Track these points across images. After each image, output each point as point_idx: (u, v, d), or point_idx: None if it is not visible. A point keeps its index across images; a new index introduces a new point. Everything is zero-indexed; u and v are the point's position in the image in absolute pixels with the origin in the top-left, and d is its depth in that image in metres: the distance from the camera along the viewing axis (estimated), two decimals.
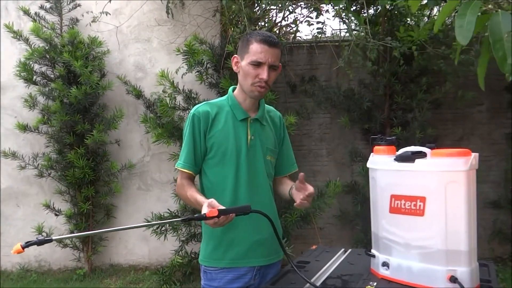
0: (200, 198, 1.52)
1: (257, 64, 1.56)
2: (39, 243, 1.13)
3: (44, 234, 4.28)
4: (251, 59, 1.56)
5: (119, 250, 4.68)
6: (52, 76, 4.33)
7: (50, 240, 1.15)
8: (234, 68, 1.65)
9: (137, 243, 4.65)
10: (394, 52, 3.53)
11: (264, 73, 1.56)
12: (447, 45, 3.81)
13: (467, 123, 4.65)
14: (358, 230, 4.31)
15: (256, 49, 1.55)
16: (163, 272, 3.91)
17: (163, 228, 3.94)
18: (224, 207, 1.39)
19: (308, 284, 1.45)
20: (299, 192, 1.59)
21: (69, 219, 4.30)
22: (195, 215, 1.41)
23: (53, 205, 4.35)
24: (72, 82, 4.26)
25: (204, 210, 1.37)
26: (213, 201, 1.40)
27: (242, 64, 1.60)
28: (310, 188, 1.57)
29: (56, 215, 4.35)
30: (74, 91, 4.03)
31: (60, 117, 4.10)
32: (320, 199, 3.76)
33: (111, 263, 4.66)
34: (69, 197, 4.41)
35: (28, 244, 1.13)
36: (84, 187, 4.27)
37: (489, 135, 4.64)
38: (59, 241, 4.27)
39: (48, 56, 4.23)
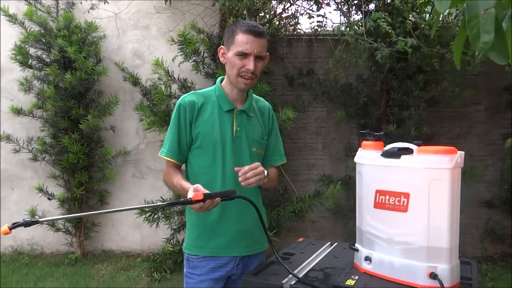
0: (185, 184, 1.52)
1: (242, 55, 1.55)
2: (26, 224, 1.13)
3: (37, 217, 4.29)
4: (236, 50, 1.55)
5: (111, 236, 4.70)
6: (47, 60, 4.31)
7: (37, 222, 1.15)
8: (221, 59, 1.64)
9: (130, 230, 4.67)
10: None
11: (250, 64, 1.55)
12: (441, 45, 3.80)
13: (464, 122, 4.64)
14: (351, 224, 4.32)
15: (241, 40, 1.54)
16: (154, 259, 3.94)
17: (156, 216, 3.95)
18: (209, 192, 1.39)
19: (290, 276, 1.46)
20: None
21: (62, 203, 4.31)
22: (181, 199, 1.41)
23: (46, 189, 4.36)
24: (67, 67, 4.24)
25: (190, 194, 1.37)
26: (198, 186, 1.40)
27: (228, 55, 1.59)
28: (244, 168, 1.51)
29: (49, 199, 4.35)
30: (69, 76, 4.01)
31: (54, 102, 4.09)
32: (316, 198, 3.75)
33: (103, 248, 4.68)
34: (63, 181, 4.41)
35: (14, 226, 1.13)
36: (78, 173, 4.27)
37: (486, 135, 4.63)
38: (50, 224, 4.28)
39: (43, 40, 4.20)
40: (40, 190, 4.31)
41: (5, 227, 1.11)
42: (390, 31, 3.42)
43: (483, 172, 4.43)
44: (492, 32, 0.98)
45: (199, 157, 1.60)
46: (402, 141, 1.48)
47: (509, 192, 4.44)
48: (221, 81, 1.70)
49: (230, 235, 1.61)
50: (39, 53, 4.32)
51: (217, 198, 1.39)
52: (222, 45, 1.65)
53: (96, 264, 4.29)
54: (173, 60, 3.97)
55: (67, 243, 4.48)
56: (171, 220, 4.00)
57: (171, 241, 3.98)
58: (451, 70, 3.95)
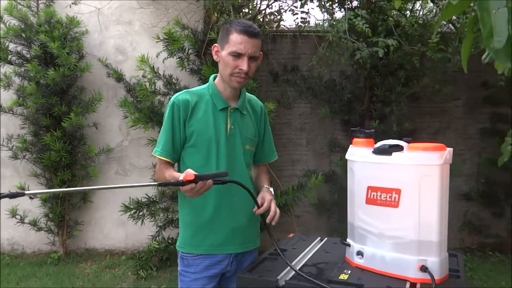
0: (177, 174, 1.53)
1: (237, 55, 1.55)
2: (11, 196, 1.10)
3: (17, 217, 4.22)
4: (231, 50, 1.55)
5: (95, 235, 4.64)
6: (28, 56, 4.21)
7: (22, 194, 1.11)
8: (215, 57, 1.64)
9: (114, 228, 4.62)
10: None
11: (244, 64, 1.56)
12: (422, 43, 3.89)
13: (443, 117, 4.76)
14: (334, 219, 4.39)
15: (236, 40, 1.54)
16: (139, 257, 3.92)
17: (141, 213, 3.93)
18: (200, 174, 1.38)
19: (285, 271, 1.48)
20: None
21: (44, 202, 4.23)
22: (172, 181, 1.40)
23: (28, 187, 4.27)
24: (48, 63, 4.15)
25: (181, 178, 1.37)
26: (189, 170, 1.40)
27: (222, 54, 1.59)
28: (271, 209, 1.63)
29: (30, 198, 4.26)
30: (52, 73, 3.92)
31: (36, 100, 4.00)
32: (300, 191, 3.80)
33: (86, 247, 4.63)
34: (45, 180, 4.33)
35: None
36: (60, 171, 4.20)
37: (464, 130, 4.76)
38: (31, 223, 4.20)
39: (24, 36, 4.10)
40: (22, 189, 4.22)
41: None
42: (366, 29, 3.46)
43: (461, 166, 4.57)
44: (506, 31, 0.99)
45: (193, 155, 1.60)
46: (386, 137, 1.52)
47: (486, 185, 4.59)
48: (214, 78, 1.70)
49: (225, 233, 1.62)
50: (19, 48, 4.21)
51: (209, 181, 1.38)
52: (216, 43, 1.65)
53: (80, 263, 4.24)
54: (157, 56, 3.94)
55: (49, 242, 4.41)
56: (156, 217, 3.98)
57: (157, 238, 3.97)
58: (432, 67, 4.05)
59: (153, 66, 3.89)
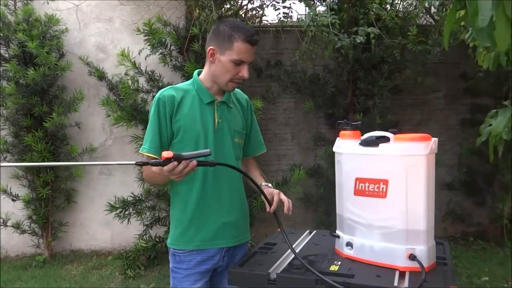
0: None
1: (239, 63, 1.56)
2: None
3: (0, 219, 4.13)
4: (234, 58, 1.54)
5: (80, 236, 4.58)
6: (6, 55, 4.11)
7: None
8: (210, 59, 1.60)
9: (99, 228, 4.57)
10: (357, 39, 3.59)
11: (244, 72, 1.58)
12: (403, 36, 3.94)
13: (425, 109, 4.84)
14: (321, 212, 4.43)
15: (241, 49, 1.53)
16: (126, 256, 3.89)
17: (127, 212, 3.90)
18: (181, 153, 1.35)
19: (275, 265, 1.49)
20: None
21: (27, 204, 4.15)
22: (152, 161, 1.36)
23: (10, 190, 4.18)
24: (28, 63, 4.07)
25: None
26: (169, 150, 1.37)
27: (222, 58, 1.57)
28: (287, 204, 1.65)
29: (13, 200, 4.18)
30: (32, 72, 3.84)
31: (16, 100, 3.91)
32: (285, 186, 3.82)
33: (71, 248, 4.57)
34: (27, 181, 4.25)
35: None
36: (43, 172, 4.13)
37: (445, 121, 4.85)
38: (15, 226, 4.13)
39: (1, 35, 4.01)
40: (4, 191, 4.13)
41: None
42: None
43: (443, 156, 4.65)
44: (489, 12, 1.02)
45: (180, 151, 1.56)
46: (369, 130, 1.54)
47: (467, 174, 4.69)
48: (198, 74, 1.69)
49: (216, 227, 1.62)
50: None
51: (192, 161, 1.35)
52: (211, 44, 1.60)
53: (65, 265, 4.18)
54: (139, 53, 3.89)
55: (34, 245, 4.33)
56: (143, 216, 3.96)
57: (144, 237, 3.94)
58: (413, 59, 4.11)
59: (135, 62, 3.85)
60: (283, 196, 1.64)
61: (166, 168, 1.33)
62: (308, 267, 1.40)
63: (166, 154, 1.32)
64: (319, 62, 4.38)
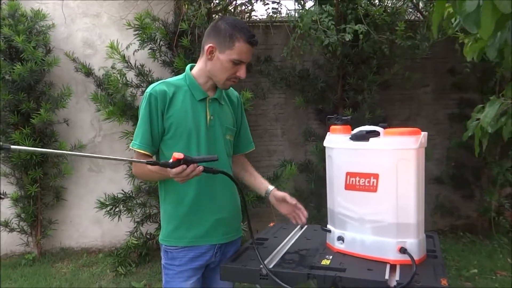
0: (162, 162, 1.49)
1: (238, 63, 1.56)
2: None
3: None
4: (234, 58, 1.54)
5: (70, 234, 4.54)
6: None
7: (8, 149, 1.06)
8: (208, 56, 1.58)
9: (89, 225, 4.53)
10: (347, 36, 3.61)
11: (242, 72, 1.58)
12: (391, 31, 3.96)
13: (413, 104, 4.88)
14: (311, 207, 4.44)
15: (242, 49, 1.53)
16: (117, 254, 3.86)
17: (117, 209, 3.87)
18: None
19: (268, 259, 1.50)
20: (285, 204, 1.76)
21: (16, 202, 4.10)
22: (161, 161, 1.37)
23: None
24: (14, 58, 4.00)
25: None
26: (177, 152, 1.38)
27: (221, 57, 1.55)
28: (304, 213, 1.76)
29: (1, 198, 4.13)
30: (19, 67, 3.78)
31: (3, 96, 3.85)
32: (276, 182, 3.83)
33: (61, 246, 4.52)
34: (15, 179, 4.19)
35: None
36: (31, 169, 4.08)
37: (433, 115, 4.89)
38: (3, 224, 4.08)
39: None
40: None
41: None
42: (332, 25, 3.52)
43: (432, 150, 4.70)
44: None
45: (172, 147, 1.57)
46: (359, 125, 1.55)
47: (456, 168, 4.74)
48: (191, 68, 1.67)
49: (209, 224, 1.61)
50: None
51: (199, 167, 1.38)
52: (210, 42, 1.57)
53: (56, 263, 4.14)
54: (127, 48, 3.85)
55: (23, 243, 4.28)
56: (133, 213, 3.94)
57: (135, 234, 3.92)
58: (402, 54, 4.14)
59: (124, 55, 3.81)
60: (295, 202, 1.75)
61: (174, 170, 1.34)
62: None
63: (177, 155, 1.33)
64: (308, 57, 4.38)
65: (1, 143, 1.06)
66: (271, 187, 1.78)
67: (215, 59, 1.57)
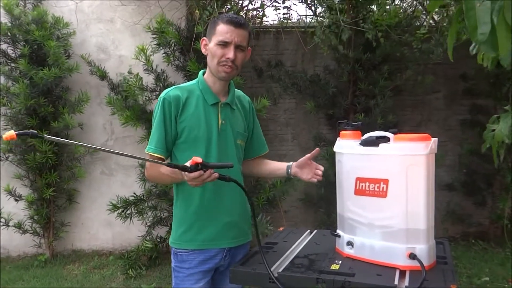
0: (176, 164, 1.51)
1: (223, 44, 1.58)
2: (32, 135, 1.09)
3: (2, 219, 4.15)
4: (217, 40, 1.58)
5: (81, 236, 4.60)
6: (13, 55, 4.13)
7: (42, 137, 1.12)
8: (203, 50, 1.66)
9: (101, 228, 4.58)
10: (367, 34, 3.63)
11: (230, 53, 1.58)
12: (410, 33, 3.95)
13: (425, 109, 4.85)
14: (321, 212, 4.44)
15: (222, 30, 1.58)
16: (128, 256, 3.90)
17: (128, 212, 3.91)
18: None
19: (277, 263, 1.50)
20: (306, 168, 1.74)
21: (30, 204, 4.17)
22: (180, 165, 1.39)
23: (14, 190, 4.19)
24: (35, 62, 4.08)
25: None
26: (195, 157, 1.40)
27: (209, 45, 1.62)
28: (320, 167, 1.73)
29: (16, 200, 4.20)
30: (45, 72, 3.87)
31: (26, 101, 3.92)
32: (287, 183, 3.83)
33: (73, 248, 4.58)
34: (29, 181, 4.26)
35: (21, 133, 1.07)
36: (46, 172, 4.14)
37: (445, 121, 4.86)
38: (17, 226, 4.14)
39: (9, 34, 4.03)
40: (9, 192, 4.14)
41: (11, 132, 1.06)
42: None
43: (443, 157, 4.66)
44: (488, 24, 1.03)
45: (185, 151, 1.60)
46: (370, 130, 1.55)
47: (467, 175, 4.69)
48: (203, 74, 1.70)
49: (218, 228, 1.63)
50: (3, 47, 4.13)
51: (214, 173, 1.40)
52: (205, 36, 1.66)
53: (67, 265, 4.20)
54: (153, 53, 3.90)
55: (35, 245, 4.35)
56: (144, 216, 3.97)
57: (147, 237, 3.95)
58: (415, 58, 4.12)
59: (149, 58, 3.87)
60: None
61: (192, 175, 1.36)
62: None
63: (197, 159, 1.35)
64: (319, 62, 4.39)
65: (34, 131, 1.10)
66: (290, 163, 1.79)
67: (209, 51, 1.63)
